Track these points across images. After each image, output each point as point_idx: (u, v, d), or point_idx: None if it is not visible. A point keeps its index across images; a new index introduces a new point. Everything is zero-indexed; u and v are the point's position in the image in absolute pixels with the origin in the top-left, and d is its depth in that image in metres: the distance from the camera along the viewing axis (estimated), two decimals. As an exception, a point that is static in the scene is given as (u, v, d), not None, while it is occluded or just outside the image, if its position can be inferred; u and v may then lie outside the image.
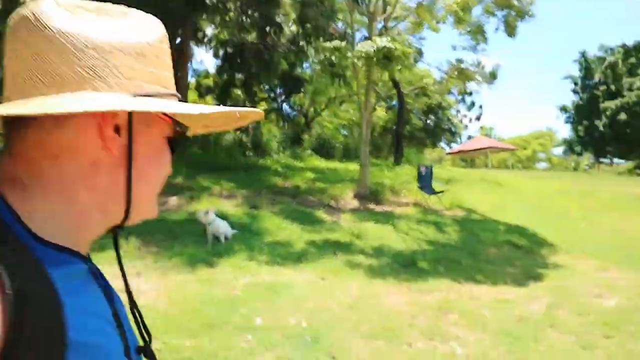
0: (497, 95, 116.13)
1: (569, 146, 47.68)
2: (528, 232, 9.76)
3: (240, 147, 19.00)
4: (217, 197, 10.53)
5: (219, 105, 0.78)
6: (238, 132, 20.79)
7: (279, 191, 12.10)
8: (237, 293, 5.46)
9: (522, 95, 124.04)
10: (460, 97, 52.91)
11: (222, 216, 8.67)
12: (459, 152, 43.72)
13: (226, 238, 7.66)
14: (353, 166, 17.88)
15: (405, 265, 7.04)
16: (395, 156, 19.34)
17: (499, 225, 10.20)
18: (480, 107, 55.66)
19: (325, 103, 26.95)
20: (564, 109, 46.77)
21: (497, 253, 8.28)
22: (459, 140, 47.03)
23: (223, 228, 7.60)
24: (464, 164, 41.57)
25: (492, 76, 19.71)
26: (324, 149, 21.88)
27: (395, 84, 19.31)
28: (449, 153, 45.69)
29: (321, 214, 9.99)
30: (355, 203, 11.72)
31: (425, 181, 12.21)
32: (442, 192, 11.89)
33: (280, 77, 19.73)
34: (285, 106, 27.26)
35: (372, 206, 11.52)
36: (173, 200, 10.00)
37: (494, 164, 47.17)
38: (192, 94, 32.15)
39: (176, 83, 0.69)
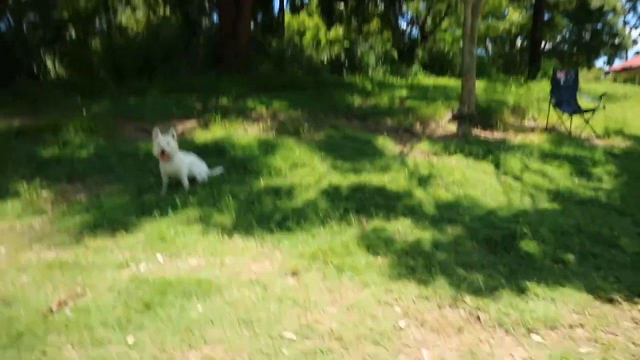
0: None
1: None
2: None
3: (331, 64, 15.72)
4: (244, 120, 7.63)
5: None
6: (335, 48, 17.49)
7: (348, 112, 8.83)
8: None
9: None
10: (629, 4, 42.11)
11: (225, 144, 5.87)
12: (624, 70, 35.16)
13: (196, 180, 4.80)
14: (477, 83, 13.70)
15: (492, 245, 3.52)
16: (529, 69, 14.48)
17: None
18: (658, 13, 44.17)
19: (444, 11, 21.99)
20: None
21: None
22: (624, 56, 37.78)
23: (187, 165, 4.71)
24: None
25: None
26: (436, 65, 17.54)
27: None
28: (608, 72, 37.14)
29: (384, 142, 6.54)
30: (451, 128, 8.00)
31: (564, 94, 7.86)
32: (592, 110, 7.54)
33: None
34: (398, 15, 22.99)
35: (477, 132, 7.71)
36: (185, 126, 7.33)
37: (670, 85, 37.44)
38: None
39: None
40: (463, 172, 5.09)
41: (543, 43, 34.01)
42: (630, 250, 3.56)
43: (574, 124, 7.88)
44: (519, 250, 3.46)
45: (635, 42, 41.85)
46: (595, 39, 33.15)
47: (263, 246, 3.52)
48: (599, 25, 32.89)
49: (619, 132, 7.70)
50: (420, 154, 6.05)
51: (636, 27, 39.74)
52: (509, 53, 30.07)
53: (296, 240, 3.62)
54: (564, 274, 3.20)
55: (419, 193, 4.53)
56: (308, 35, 27.23)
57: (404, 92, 10.83)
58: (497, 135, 7.55)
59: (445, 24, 23.56)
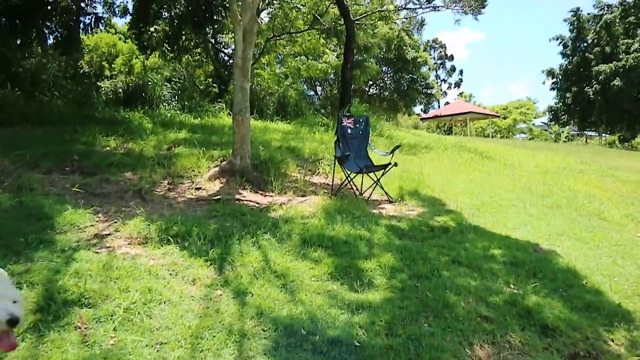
0: (478, 63, 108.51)
1: (554, 115, 42.02)
2: (559, 267, 4.16)
3: (126, 96, 12.92)
4: None
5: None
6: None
7: (78, 161, 6.29)
8: None
9: (506, 63, 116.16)
10: (439, 62, 47.13)
11: None
12: (435, 117, 38.21)
13: None
14: (283, 126, 12.22)
15: None
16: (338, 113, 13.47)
17: (492, 247, 4.58)
18: (461, 72, 50.69)
19: (263, 46, 20.64)
20: (550, 73, 40.83)
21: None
22: (436, 105, 41.39)
23: None
24: (439, 133, 36.03)
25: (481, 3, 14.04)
26: (251, 106, 15.75)
27: (341, 5, 13.26)
28: (424, 118, 40.21)
29: (75, 217, 4.15)
30: (214, 187, 5.97)
31: (352, 147, 6.40)
32: (383, 167, 6.13)
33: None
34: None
35: (245, 194, 5.80)
36: None
37: (472, 133, 42.00)
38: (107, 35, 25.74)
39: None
40: (151, 287, 2.96)
41: (368, 87, 35.43)
42: None
43: (366, 182, 6.47)
44: None
45: (445, 93, 46.70)
46: (411, 87, 35.40)
47: None
48: (416, 76, 35.26)
49: (414, 194, 6.46)
50: (121, 240, 3.81)
51: (445, 81, 44.20)
52: (334, 96, 30.28)
53: None
54: None
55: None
56: (119, 61, 23.79)
57: (182, 135, 8.65)
58: (268, 199, 5.72)
59: (265, 59, 22.21)
